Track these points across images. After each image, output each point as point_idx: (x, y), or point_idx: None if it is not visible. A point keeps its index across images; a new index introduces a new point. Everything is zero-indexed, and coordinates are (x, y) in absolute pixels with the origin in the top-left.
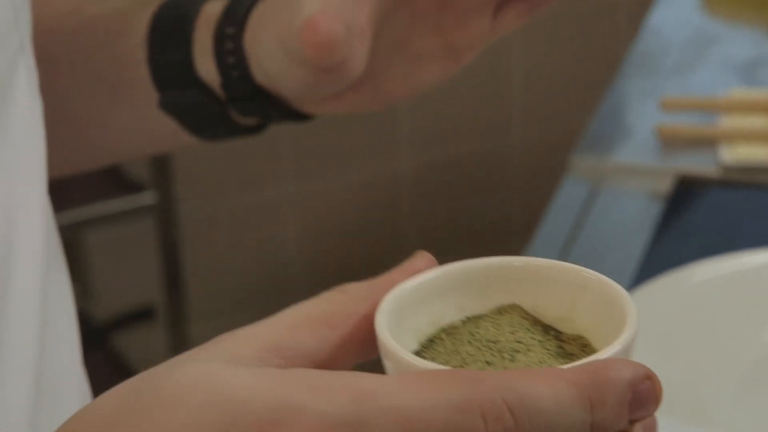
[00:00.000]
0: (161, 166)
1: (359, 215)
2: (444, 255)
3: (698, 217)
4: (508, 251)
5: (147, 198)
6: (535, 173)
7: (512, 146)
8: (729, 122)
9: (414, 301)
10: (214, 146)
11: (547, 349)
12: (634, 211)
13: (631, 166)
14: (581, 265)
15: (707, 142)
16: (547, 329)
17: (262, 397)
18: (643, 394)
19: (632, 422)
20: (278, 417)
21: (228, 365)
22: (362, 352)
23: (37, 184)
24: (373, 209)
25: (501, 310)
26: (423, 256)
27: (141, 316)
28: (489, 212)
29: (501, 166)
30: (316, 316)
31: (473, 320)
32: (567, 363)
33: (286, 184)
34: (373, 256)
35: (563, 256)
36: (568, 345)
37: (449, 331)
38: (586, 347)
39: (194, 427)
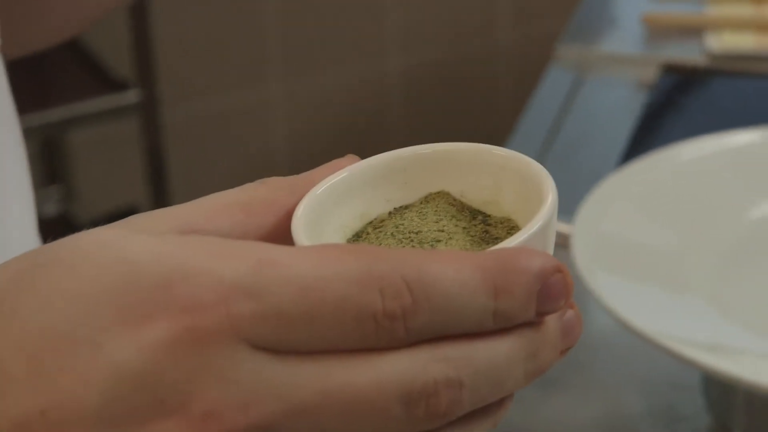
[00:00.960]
0: (145, 64)
1: (347, 116)
2: None
3: (684, 105)
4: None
5: (131, 97)
6: (522, 73)
7: (499, 45)
8: (715, 10)
9: (339, 196)
10: (200, 45)
11: (471, 236)
12: (619, 100)
13: (617, 55)
14: (563, 153)
15: (694, 31)
16: (474, 214)
17: (160, 259)
18: (552, 287)
19: (540, 315)
20: (176, 279)
21: (129, 233)
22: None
23: None
24: (361, 110)
25: (428, 199)
26: (350, 157)
27: (124, 216)
28: (477, 112)
29: (488, 66)
30: (234, 202)
31: (399, 211)
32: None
33: (273, 85)
34: (361, 158)
35: (547, 143)
36: (495, 229)
37: (376, 224)
38: (513, 229)
39: (91, 288)
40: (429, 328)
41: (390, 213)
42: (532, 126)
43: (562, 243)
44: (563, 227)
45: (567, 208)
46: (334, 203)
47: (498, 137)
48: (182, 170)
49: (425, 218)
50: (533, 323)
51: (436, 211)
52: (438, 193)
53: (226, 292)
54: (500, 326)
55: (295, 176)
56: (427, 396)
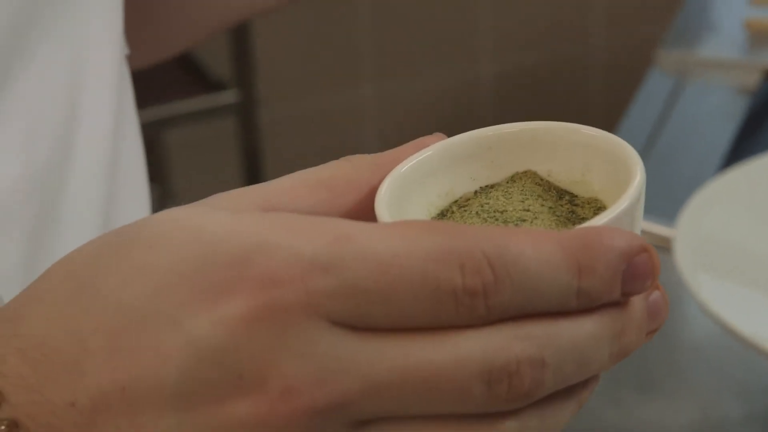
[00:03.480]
0: (244, 65)
1: (438, 120)
2: None
3: None
4: None
5: (229, 97)
6: (615, 79)
7: (592, 51)
8: None
9: (424, 174)
10: (296, 47)
11: (557, 216)
12: (720, 105)
13: (718, 61)
14: (663, 157)
15: None
16: (561, 194)
17: (238, 235)
18: (638, 266)
19: (625, 295)
20: (254, 254)
21: (209, 210)
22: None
23: (111, 43)
24: (452, 114)
25: (514, 178)
26: (436, 135)
27: None
28: (568, 118)
29: (581, 71)
30: (316, 180)
31: (485, 190)
32: None
33: (366, 87)
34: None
35: (647, 148)
36: (582, 209)
37: (461, 203)
38: (599, 209)
39: (170, 265)
40: (510, 306)
41: (475, 192)
42: (632, 130)
43: (665, 246)
44: (665, 230)
45: (667, 212)
46: (419, 181)
47: None
48: (277, 170)
49: (511, 198)
50: (618, 303)
51: (522, 190)
52: (525, 172)
53: (304, 268)
54: (583, 306)
55: (380, 153)
56: (509, 375)
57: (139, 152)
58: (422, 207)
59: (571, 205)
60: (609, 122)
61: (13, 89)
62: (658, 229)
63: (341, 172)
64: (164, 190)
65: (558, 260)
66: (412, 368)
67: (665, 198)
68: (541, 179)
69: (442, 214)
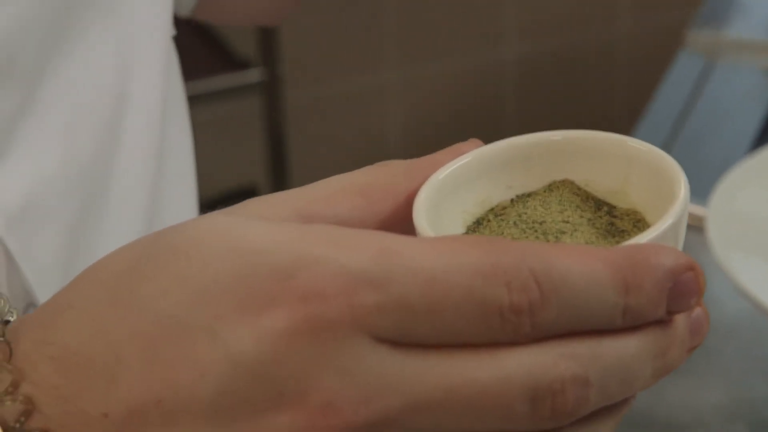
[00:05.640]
0: (268, 43)
1: (462, 103)
2: None
3: None
4: None
5: (253, 75)
6: (640, 63)
7: (618, 35)
8: None
9: (460, 182)
10: (321, 28)
11: (597, 228)
12: (750, 86)
13: (748, 42)
14: (693, 137)
15: None
16: (599, 204)
17: (280, 247)
18: (684, 284)
19: (670, 313)
20: (297, 268)
21: (247, 220)
22: (402, 231)
23: (160, 24)
24: (476, 97)
25: (552, 187)
26: (472, 141)
27: (243, 195)
28: (593, 102)
29: (606, 56)
30: (353, 186)
31: (522, 199)
32: (617, 242)
33: (391, 70)
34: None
35: (677, 128)
36: (620, 221)
37: (497, 211)
38: (639, 222)
39: (209, 276)
40: (556, 324)
41: (512, 200)
42: (662, 111)
43: (697, 225)
44: (697, 210)
45: (697, 193)
46: (456, 188)
47: (614, 127)
48: (301, 150)
49: (549, 208)
50: (663, 321)
51: (560, 200)
52: (562, 181)
53: (348, 282)
54: (630, 324)
55: (416, 159)
56: (554, 393)
57: (188, 140)
58: (458, 215)
59: (609, 217)
60: (634, 107)
61: (57, 74)
62: (690, 208)
63: (377, 179)
64: None
65: (605, 278)
66: (456, 386)
67: (695, 179)
68: (579, 189)
69: (478, 223)
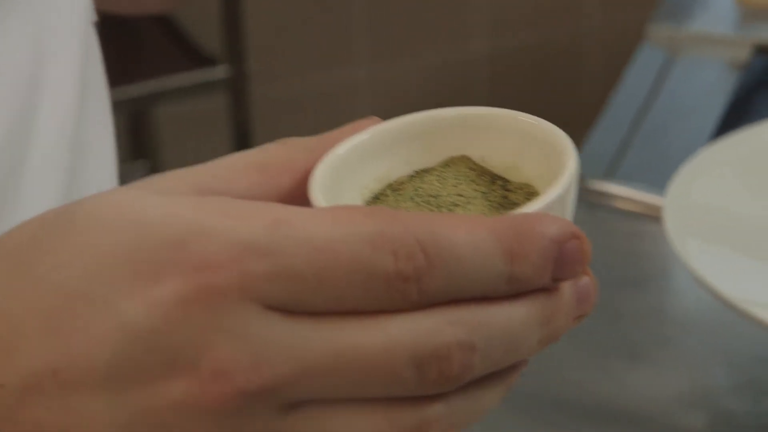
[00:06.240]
0: (234, 40)
1: (432, 99)
2: None
3: None
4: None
5: (219, 72)
6: (608, 58)
7: (585, 30)
8: None
9: (359, 157)
10: (289, 25)
11: (490, 201)
12: (710, 80)
13: (709, 36)
14: (654, 130)
15: None
16: (494, 179)
17: (174, 219)
18: (569, 253)
19: (555, 281)
20: (189, 238)
21: (145, 193)
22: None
23: (77, 10)
24: (446, 93)
25: (449, 162)
26: (371, 118)
27: None
28: (562, 97)
29: (574, 51)
30: (251, 163)
31: (420, 174)
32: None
33: (359, 67)
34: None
35: (638, 121)
36: (514, 194)
37: (395, 186)
38: (531, 195)
39: (105, 248)
40: (442, 291)
41: (410, 176)
42: (623, 104)
43: (655, 215)
44: (655, 200)
45: (658, 184)
46: (355, 164)
47: (583, 122)
48: None
49: (445, 182)
50: (548, 289)
51: (456, 175)
52: (459, 157)
53: (239, 252)
54: (515, 291)
55: (315, 137)
56: (439, 359)
57: (107, 128)
58: (357, 190)
59: (503, 190)
60: (603, 101)
61: None
62: (649, 198)
63: (276, 156)
64: (154, 166)
65: (490, 246)
66: (343, 352)
67: (655, 171)
68: (475, 164)
69: (377, 198)
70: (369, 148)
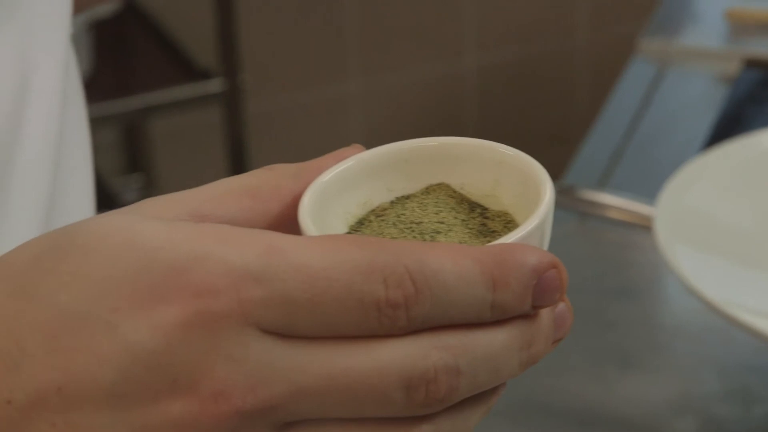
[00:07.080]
0: (229, 54)
1: (423, 113)
2: None
3: (765, 99)
4: (570, 152)
5: (214, 86)
6: (599, 73)
7: (577, 45)
8: None
9: (343, 184)
10: (283, 39)
11: (470, 228)
12: (700, 94)
13: (699, 50)
14: (644, 142)
15: None
16: (473, 207)
17: (175, 245)
18: (547, 281)
19: (535, 308)
20: (189, 264)
21: (142, 218)
22: (289, 231)
23: (59, 20)
24: (437, 107)
25: (429, 190)
26: (355, 146)
27: None
28: (552, 112)
29: (565, 66)
30: (242, 188)
31: (401, 201)
32: (488, 242)
33: (352, 81)
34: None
35: (628, 135)
36: (492, 222)
37: (378, 212)
38: (509, 223)
39: (107, 271)
40: (430, 317)
41: (392, 202)
42: (614, 116)
43: (646, 225)
44: (646, 209)
45: (648, 194)
46: (339, 191)
47: (573, 137)
48: (262, 161)
49: (426, 209)
50: (528, 315)
51: (436, 202)
52: (439, 184)
53: (236, 278)
54: (497, 317)
55: (302, 163)
56: (427, 382)
57: (85, 134)
58: (341, 216)
59: (482, 218)
60: (594, 115)
61: None
62: (640, 207)
63: (266, 181)
64: (148, 180)
65: (474, 275)
66: (336, 374)
67: (646, 181)
68: (454, 192)
69: (360, 223)
70: (352, 175)
